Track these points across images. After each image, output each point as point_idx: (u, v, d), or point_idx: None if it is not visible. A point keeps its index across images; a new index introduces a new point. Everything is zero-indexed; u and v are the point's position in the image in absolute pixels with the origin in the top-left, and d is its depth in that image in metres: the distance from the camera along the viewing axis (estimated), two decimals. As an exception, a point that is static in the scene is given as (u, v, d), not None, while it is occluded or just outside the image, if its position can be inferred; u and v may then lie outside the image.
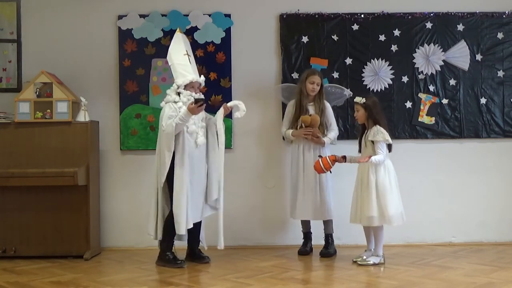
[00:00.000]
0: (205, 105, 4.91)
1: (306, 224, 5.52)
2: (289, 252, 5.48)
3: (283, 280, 4.56)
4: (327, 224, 5.41)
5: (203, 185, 5.07)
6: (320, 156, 5.01)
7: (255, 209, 5.88)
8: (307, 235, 5.53)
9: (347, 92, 5.66)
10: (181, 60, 5.04)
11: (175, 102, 4.93)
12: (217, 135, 5.09)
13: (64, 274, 4.79)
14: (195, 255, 5.16)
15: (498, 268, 4.82)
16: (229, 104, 5.14)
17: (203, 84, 5.17)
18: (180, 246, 5.16)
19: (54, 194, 5.37)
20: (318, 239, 5.55)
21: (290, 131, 5.39)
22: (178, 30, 5.20)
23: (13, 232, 5.39)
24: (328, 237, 5.42)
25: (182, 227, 4.85)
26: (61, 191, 5.36)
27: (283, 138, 5.71)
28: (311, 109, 5.40)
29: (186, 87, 4.98)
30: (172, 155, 4.87)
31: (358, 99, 5.03)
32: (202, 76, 5.13)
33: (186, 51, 5.09)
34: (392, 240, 5.74)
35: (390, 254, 5.34)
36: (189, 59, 5.08)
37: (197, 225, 5.05)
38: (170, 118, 4.85)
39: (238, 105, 5.10)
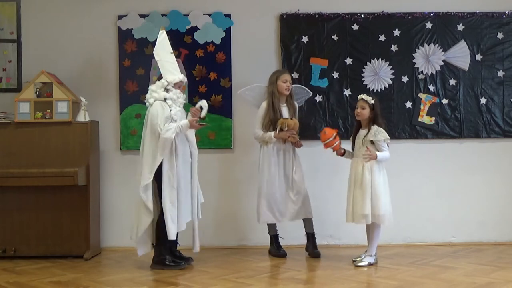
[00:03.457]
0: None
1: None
2: (289, 252, 5.47)
3: (283, 280, 4.56)
4: (308, 222, 5.35)
5: (189, 184, 5.01)
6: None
7: (255, 209, 5.86)
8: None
9: (310, 94, 5.65)
10: (169, 58, 5.01)
11: (165, 100, 4.88)
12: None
13: (64, 274, 4.79)
14: (175, 257, 5.03)
15: (498, 268, 4.83)
16: (196, 106, 5.10)
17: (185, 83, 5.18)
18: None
19: (54, 194, 5.38)
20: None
21: (270, 133, 5.24)
22: (162, 28, 5.15)
23: (13, 232, 5.40)
24: (313, 236, 5.36)
25: (173, 232, 4.77)
26: (61, 191, 5.36)
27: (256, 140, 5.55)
28: (285, 110, 5.33)
29: (175, 85, 4.96)
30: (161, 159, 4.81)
31: (367, 98, 4.97)
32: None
33: (172, 50, 5.06)
34: (392, 240, 5.75)
35: (390, 254, 5.35)
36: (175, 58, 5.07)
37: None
38: (166, 121, 4.79)
39: (202, 106, 5.07)
